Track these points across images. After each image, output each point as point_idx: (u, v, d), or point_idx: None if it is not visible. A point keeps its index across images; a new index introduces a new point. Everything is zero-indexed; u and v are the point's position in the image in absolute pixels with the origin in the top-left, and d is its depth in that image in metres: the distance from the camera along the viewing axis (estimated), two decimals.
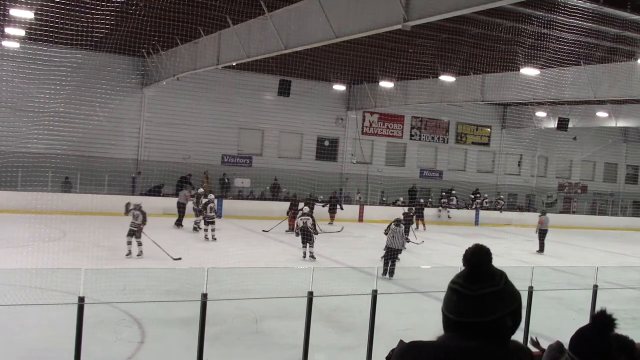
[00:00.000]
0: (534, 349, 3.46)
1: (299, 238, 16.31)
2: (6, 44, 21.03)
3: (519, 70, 19.08)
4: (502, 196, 32.90)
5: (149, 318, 9.16)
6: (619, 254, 22.13)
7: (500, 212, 31.17)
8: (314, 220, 16.58)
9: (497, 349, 1.70)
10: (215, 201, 19.51)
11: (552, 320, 10.30)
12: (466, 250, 1.78)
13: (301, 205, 21.81)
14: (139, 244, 14.40)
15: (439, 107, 29.45)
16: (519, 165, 35.94)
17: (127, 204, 14.83)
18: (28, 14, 15.55)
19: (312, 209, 17.54)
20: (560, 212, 35.24)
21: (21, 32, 18.84)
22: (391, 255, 14.32)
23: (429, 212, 27.51)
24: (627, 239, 28.19)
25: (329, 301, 9.65)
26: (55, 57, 19.33)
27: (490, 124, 34.19)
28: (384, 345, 2.19)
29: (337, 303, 10.17)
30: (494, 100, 24.83)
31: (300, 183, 25.99)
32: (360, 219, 27.36)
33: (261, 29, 15.55)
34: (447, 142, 33.59)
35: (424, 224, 25.39)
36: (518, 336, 1.87)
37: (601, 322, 2.09)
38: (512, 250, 20.68)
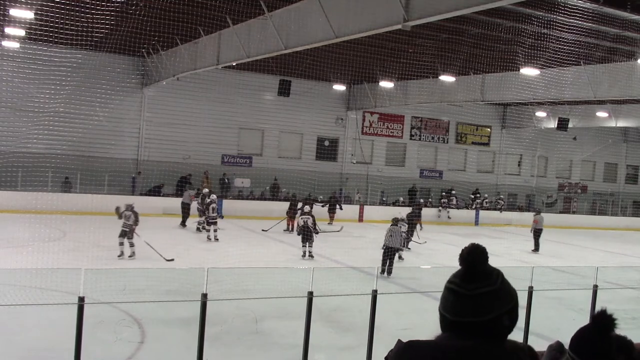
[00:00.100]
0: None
1: (299, 237, 16.36)
2: (6, 44, 21.03)
3: (519, 70, 19.08)
4: (502, 196, 32.90)
5: (149, 318, 9.16)
6: (619, 254, 22.13)
7: (500, 212, 31.17)
8: (314, 219, 16.62)
9: (493, 348, 1.71)
10: (217, 202, 19.50)
11: (552, 320, 10.30)
12: (462, 250, 1.78)
13: (300, 205, 21.94)
14: (131, 245, 14.19)
15: (439, 107, 29.45)
16: (519, 165, 35.95)
17: (117, 208, 14.49)
18: (28, 14, 15.55)
19: (311, 208, 17.58)
20: (560, 212, 35.26)
21: (21, 32, 18.84)
22: (389, 254, 14.38)
23: (428, 212, 27.49)
24: (627, 239, 28.19)
25: (329, 301, 9.64)
26: (55, 57, 19.34)
27: (490, 124, 34.20)
28: (384, 345, 2.18)
29: (337, 303, 10.16)
30: (494, 100, 24.83)
31: (300, 183, 25.99)
32: (360, 219, 27.36)
33: (261, 29, 15.55)
34: (447, 142, 33.59)
35: (420, 224, 25.38)
36: (518, 336, 1.87)
37: (601, 322, 2.09)
38: (512, 250, 20.69)
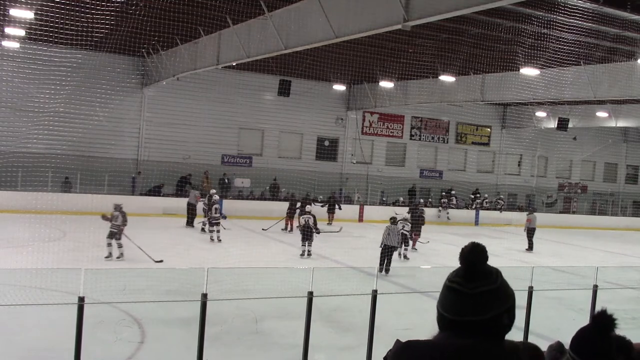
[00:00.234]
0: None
1: (299, 236, 16.43)
2: (6, 44, 21.03)
3: (519, 70, 19.08)
4: (502, 196, 32.90)
5: (149, 318, 9.16)
6: (619, 254, 22.13)
7: (500, 212, 31.16)
8: (315, 219, 16.77)
9: (493, 347, 1.71)
10: (219, 202, 19.47)
11: (552, 320, 10.31)
12: (462, 249, 1.78)
13: (299, 204, 22.02)
14: (119, 246, 13.96)
15: (439, 107, 29.45)
16: (519, 165, 35.95)
17: (103, 215, 14.15)
18: (28, 14, 15.55)
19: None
20: (560, 212, 35.27)
21: (21, 32, 18.84)
22: (387, 253, 14.55)
23: (428, 212, 27.45)
24: (627, 239, 28.18)
25: (329, 301, 9.65)
26: (55, 57, 19.34)
27: (490, 124, 34.20)
28: (384, 345, 2.18)
29: (337, 303, 10.16)
30: (494, 100, 24.83)
31: (300, 183, 25.98)
32: (360, 219, 27.36)
33: (261, 29, 15.55)
34: (447, 142, 33.59)
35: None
36: (518, 336, 1.87)
37: (601, 322, 2.09)
38: (511, 250, 20.70)
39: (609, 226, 32.79)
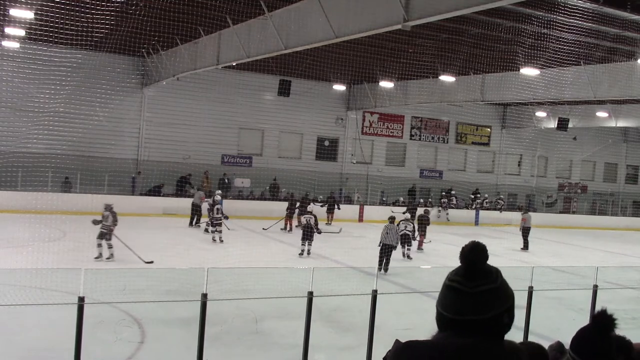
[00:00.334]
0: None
1: (299, 236, 16.50)
2: (6, 44, 21.03)
3: (519, 70, 19.08)
4: (502, 196, 32.90)
5: (149, 318, 9.16)
6: (619, 254, 22.13)
7: (500, 212, 31.15)
8: (316, 219, 16.89)
9: (493, 347, 1.70)
10: (221, 202, 19.44)
11: (552, 320, 10.31)
12: (463, 248, 1.77)
13: (298, 204, 22.09)
14: (109, 247, 13.74)
15: (439, 107, 29.45)
16: (519, 165, 35.95)
17: (94, 220, 13.91)
18: (28, 14, 15.55)
19: (307, 207, 17.93)
20: (560, 212, 35.27)
21: (21, 32, 18.84)
22: (386, 251, 14.70)
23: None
24: (627, 239, 28.18)
25: (329, 301, 9.65)
26: (55, 57, 19.33)
27: (490, 124, 34.20)
28: (384, 345, 2.18)
29: (337, 303, 10.17)
30: (494, 100, 24.83)
31: (300, 183, 25.98)
32: (360, 219, 27.36)
33: (261, 29, 15.55)
34: (447, 142, 33.59)
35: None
36: (518, 336, 1.87)
37: (601, 322, 2.09)
38: (512, 250, 20.71)
39: (609, 226, 32.78)
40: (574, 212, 35.77)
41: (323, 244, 17.35)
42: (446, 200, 30.23)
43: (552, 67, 18.80)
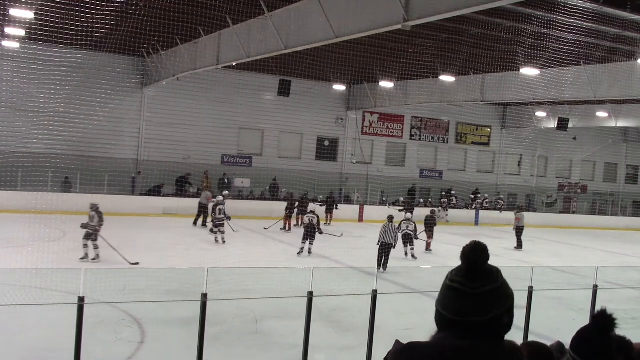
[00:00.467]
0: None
1: (299, 236, 16.58)
2: (6, 44, 21.03)
3: (519, 70, 19.08)
4: (502, 196, 32.90)
5: (149, 318, 9.16)
6: (619, 254, 22.13)
7: (500, 212, 31.13)
8: (318, 219, 17.00)
9: (492, 348, 1.69)
10: (223, 202, 19.43)
11: (552, 320, 10.30)
12: (464, 248, 1.75)
13: (297, 204, 22.10)
14: (95, 247, 13.48)
15: (439, 107, 29.45)
16: (519, 165, 35.94)
17: (82, 224, 13.74)
18: (28, 14, 15.54)
19: (306, 207, 17.98)
20: (560, 212, 35.27)
21: (21, 32, 18.84)
22: (384, 250, 14.86)
23: (426, 212, 27.45)
24: (627, 239, 28.18)
25: (329, 301, 9.65)
26: (55, 57, 19.33)
27: (490, 124, 34.20)
28: (384, 345, 2.18)
29: (337, 303, 10.17)
30: (494, 100, 24.83)
31: (300, 183, 25.98)
32: (360, 219, 27.36)
33: (261, 29, 15.55)
34: (447, 142, 33.59)
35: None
36: (518, 336, 1.87)
37: (601, 322, 2.09)
38: (512, 251, 20.72)
39: (609, 226, 32.78)
40: (574, 212, 35.77)
41: (323, 244, 17.35)
42: (446, 200, 30.23)
43: (552, 67, 18.80)
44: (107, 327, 8.36)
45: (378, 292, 7.48)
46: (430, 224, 19.54)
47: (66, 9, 14.45)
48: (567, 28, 15.16)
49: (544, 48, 16.87)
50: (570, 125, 27.17)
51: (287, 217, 22.16)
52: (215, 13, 16.26)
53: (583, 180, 37.83)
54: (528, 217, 28.67)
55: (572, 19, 14.38)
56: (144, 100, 25.81)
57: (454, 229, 26.58)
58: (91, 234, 13.57)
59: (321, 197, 26.35)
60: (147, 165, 25.40)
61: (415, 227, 17.47)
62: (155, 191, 24.84)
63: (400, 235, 16.59)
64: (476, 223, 30.12)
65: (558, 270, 15.13)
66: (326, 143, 30.13)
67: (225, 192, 21.27)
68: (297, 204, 22.83)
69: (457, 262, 1.78)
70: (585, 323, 2.19)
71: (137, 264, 13.17)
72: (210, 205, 20.91)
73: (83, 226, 13.66)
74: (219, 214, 18.01)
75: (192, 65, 20.38)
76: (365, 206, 28.27)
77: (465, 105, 28.72)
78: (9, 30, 18.49)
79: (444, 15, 10.62)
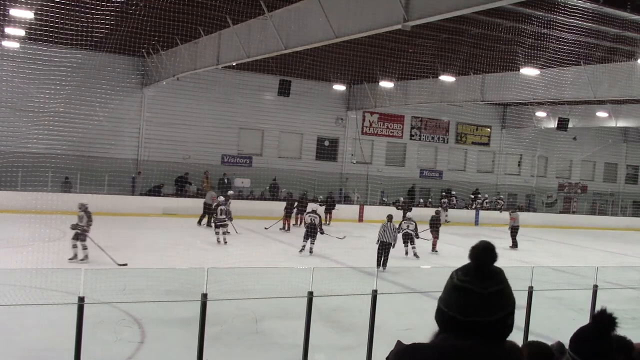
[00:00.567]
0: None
1: (299, 236, 16.61)
2: (6, 44, 21.02)
3: (519, 70, 19.08)
4: (502, 196, 32.89)
5: (149, 318, 9.16)
6: (619, 254, 22.12)
7: (500, 212, 31.07)
8: (320, 219, 17.06)
9: (493, 348, 1.68)
10: (224, 203, 19.38)
11: (552, 320, 10.29)
12: (474, 247, 1.74)
13: (296, 204, 22.09)
14: (84, 248, 13.29)
15: (439, 107, 29.45)
16: (519, 165, 35.94)
17: (72, 226, 13.52)
18: (28, 14, 15.54)
19: (306, 207, 18.02)
20: (560, 212, 35.27)
21: (21, 32, 18.83)
22: (383, 249, 14.96)
23: (429, 212, 27.42)
24: (627, 239, 28.18)
25: (329, 301, 9.64)
26: (55, 57, 19.33)
27: (490, 124, 34.19)
28: (384, 345, 2.18)
29: (337, 303, 10.16)
30: (494, 100, 24.83)
31: (300, 183, 25.99)
32: (360, 219, 27.35)
33: (261, 29, 15.55)
34: (447, 142, 33.59)
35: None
36: (518, 336, 1.87)
37: (602, 322, 2.09)
38: (512, 251, 20.72)
39: (609, 226, 32.78)
40: (574, 212, 35.77)
41: (323, 244, 17.36)
42: (446, 200, 30.22)
43: (552, 67, 18.81)
44: (107, 327, 8.36)
45: (378, 292, 7.48)
46: (435, 224, 19.57)
47: (66, 9, 14.45)
48: (567, 28, 15.16)
49: (544, 48, 16.87)
50: (570, 125, 27.17)
51: (286, 217, 22.16)
52: (215, 13, 16.26)
53: (583, 180, 37.83)
54: (528, 217, 28.79)
55: (572, 19, 14.39)
56: (144, 100, 25.81)
57: (454, 229, 26.57)
58: (80, 234, 13.38)
59: (321, 197, 26.36)
60: (147, 165, 25.40)
61: (416, 226, 17.50)
62: (155, 191, 24.84)
63: (400, 235, 16.63)
64: (476, 223, 30.11)
65: (558, 270, 15.13)
66: (326, 143, 30.13)
67: (230, 192, 21.24)
68: (296, 203, 22.83)
69: (457, 262, 1.78)
70: (585, 323, 2.18)
71: (125, 265, 12.89)
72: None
73: (73, 227, 13.52)
74: (220, 214, 18.00)
75: (192, 65, 20.38)
76: (365, 206, 28.27)
77: (465, 105, 28.72)
78: (9, 30, 18.48)
79: (444, 15, 10.62)
